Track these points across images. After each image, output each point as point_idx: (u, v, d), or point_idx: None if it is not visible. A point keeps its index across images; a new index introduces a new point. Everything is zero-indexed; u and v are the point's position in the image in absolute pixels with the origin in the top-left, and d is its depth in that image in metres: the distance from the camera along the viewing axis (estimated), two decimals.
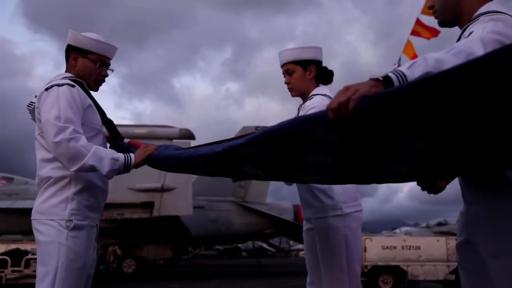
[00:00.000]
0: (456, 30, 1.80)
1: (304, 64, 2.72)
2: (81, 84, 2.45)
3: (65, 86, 2.31)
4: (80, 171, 2.24)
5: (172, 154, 2.22)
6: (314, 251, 2.72)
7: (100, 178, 2.43)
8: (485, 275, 1.68)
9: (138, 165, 2.35)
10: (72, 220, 2.26)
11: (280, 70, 2.81)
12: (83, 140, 2.22)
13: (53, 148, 2.22)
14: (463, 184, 1.81)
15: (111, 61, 2.59)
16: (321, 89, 2.71)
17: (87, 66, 2.48)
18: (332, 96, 2.62)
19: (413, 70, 1.28)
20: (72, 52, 2.50)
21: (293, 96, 2.80)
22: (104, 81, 2.58)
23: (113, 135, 2.57)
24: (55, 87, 2.31)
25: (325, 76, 2.79)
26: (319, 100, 2.59)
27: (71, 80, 2.41)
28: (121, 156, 2.29)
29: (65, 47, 2.56)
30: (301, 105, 2.79)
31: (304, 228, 2.83)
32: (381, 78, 1.27)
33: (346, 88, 1.27)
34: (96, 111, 2.47)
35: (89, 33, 2.54)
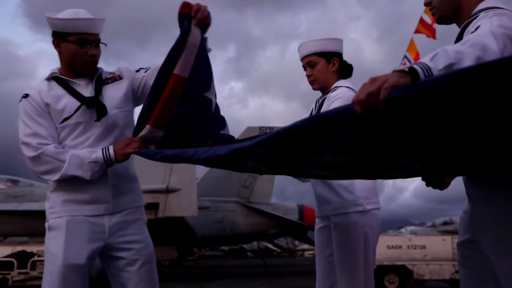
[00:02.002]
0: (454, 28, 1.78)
1: (328, 56, 2.66)
2: (57, 78, 2.27)
3: (22, 101, 2.25)
4: (63, 180, 2.18)
5: (166, 155, 2.12)
6: (326, 249, 2.65)
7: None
8: (486, 272, 1.69)
9: (121, 161, 2.20)
10: (48, 220, 2.24)
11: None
12: (49, 150, 2.14)
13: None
14: (467, 182, 1.80)
15: (100, 36, 2.27)
16: (344, 82, 2.67)
17: (70, 50, 2.21)
18: (355, 89, 2.58)
19: (436, 62, 1.25)
20: (54, 39, 2.26)
21: (314, 89, 2.73)
22: (94, 61, 2.26)
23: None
24: (19, 104, 2.27)
25: (346, 69, 2.74)
26: (345, 91, 2.54)
27: (51, 77, 2.28)
28: (99, 156, 2.15)
29: None
30: (318, 99, 2.75)
31: (317, 226, 2.74)
32: (407, 69, 1.23)
33: (373, 79, 1.21)
34: (62, 106, 2.22)
35: (65, 11, 2.24)
